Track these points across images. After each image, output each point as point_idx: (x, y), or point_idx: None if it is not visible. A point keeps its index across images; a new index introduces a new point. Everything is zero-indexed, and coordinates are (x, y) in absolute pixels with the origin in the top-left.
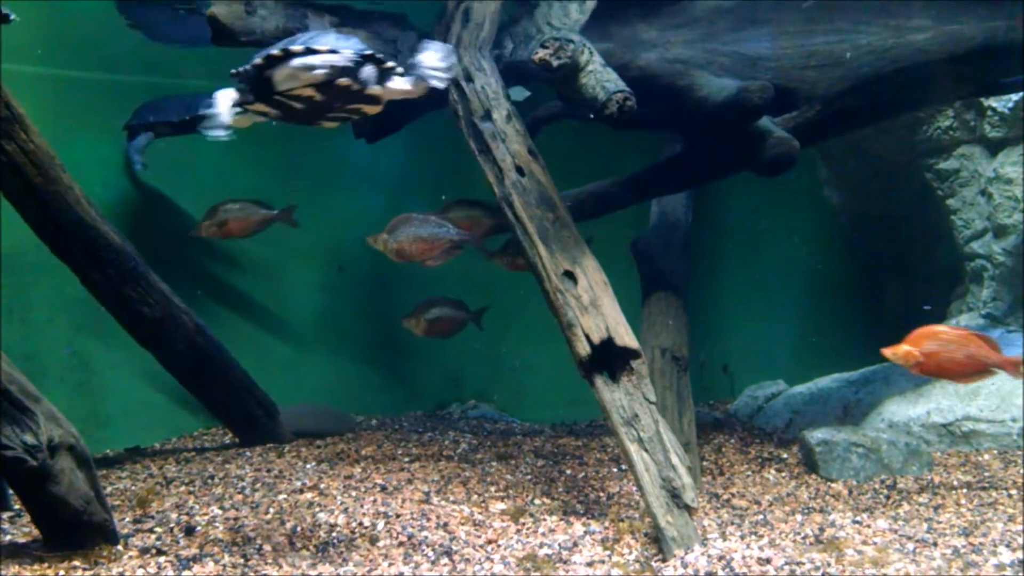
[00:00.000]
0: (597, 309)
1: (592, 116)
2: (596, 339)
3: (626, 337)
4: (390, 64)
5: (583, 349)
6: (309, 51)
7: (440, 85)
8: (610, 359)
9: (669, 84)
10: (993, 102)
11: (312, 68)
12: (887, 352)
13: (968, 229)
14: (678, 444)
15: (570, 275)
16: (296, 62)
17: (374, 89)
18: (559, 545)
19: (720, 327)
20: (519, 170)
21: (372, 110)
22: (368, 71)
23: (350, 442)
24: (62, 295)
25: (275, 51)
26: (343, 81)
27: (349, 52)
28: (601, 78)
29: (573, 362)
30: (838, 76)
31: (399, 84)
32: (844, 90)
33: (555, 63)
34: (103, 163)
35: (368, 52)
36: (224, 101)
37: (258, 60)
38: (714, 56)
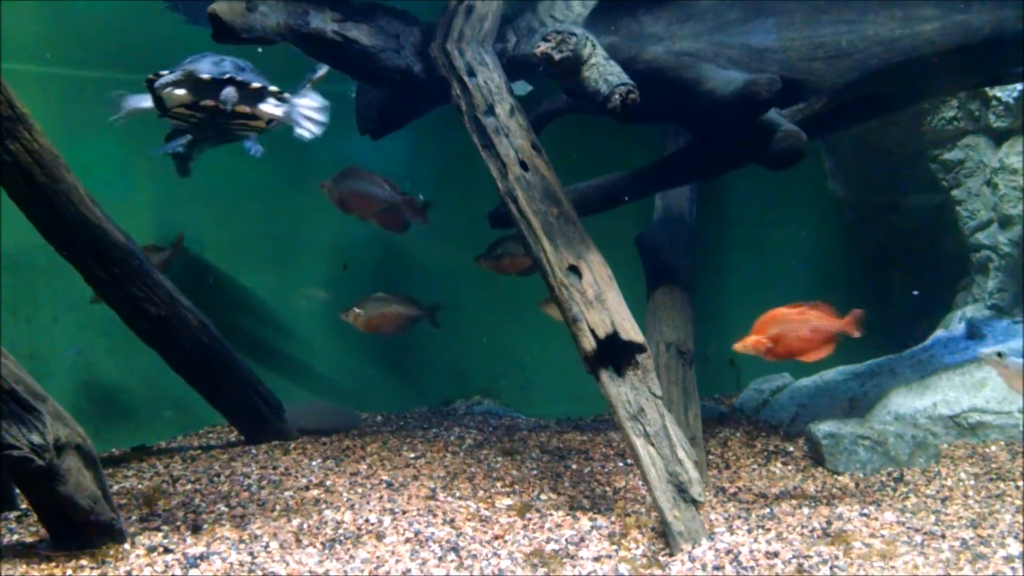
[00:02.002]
0: (602, 304)
1: (596, 110)
2: (601, 333)
3: (631, 331)
4: (256, 85)
5: (588, 344)
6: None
7: (306, 136)
8: (616, 354)
9: (676, 77)
10: (998, 92)
11: (171, 88)
12: (738, 347)
13: (973, 220)
14: (684, 438)
15: (575, 270)
16: (159, 83)
17: (243, 108)
18: (566, 540)
19: (725, 321)
20: (523, 165)
21: (258, 124)
22: (228, 93)
23: (355, 439)
24: (67, 294)
25: (151, 75)
26: (207, 102)
27: (206, 76)
28: (604, 71)
29: (578, 357)
30: (846, 68)
31: (269, 108)
32: (852, 82)
33: (557, 56)
34: (107, 162)
35: (228, 76)
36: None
37: (145, 83)
38: (721, 49)
